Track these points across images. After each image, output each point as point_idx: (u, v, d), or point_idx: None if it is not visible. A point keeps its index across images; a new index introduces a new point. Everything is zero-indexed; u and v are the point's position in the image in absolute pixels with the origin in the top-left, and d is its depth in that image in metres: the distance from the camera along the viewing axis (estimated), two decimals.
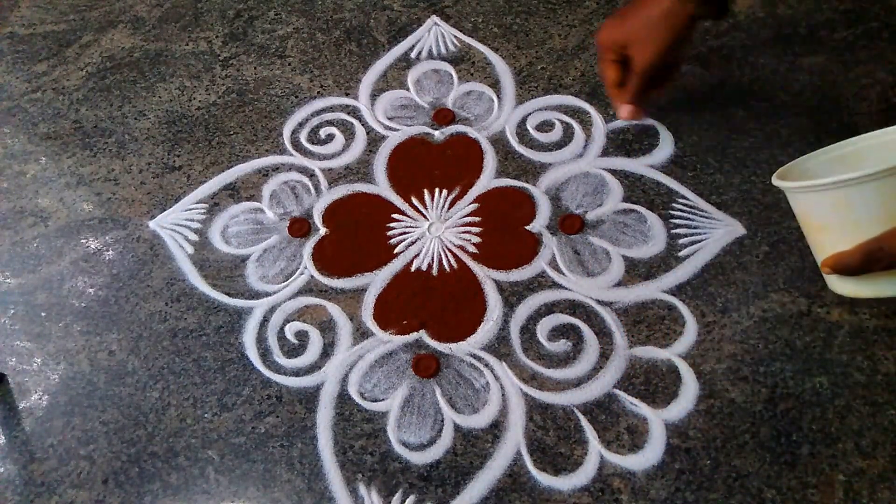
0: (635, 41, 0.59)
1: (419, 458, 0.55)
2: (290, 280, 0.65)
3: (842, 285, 0.49)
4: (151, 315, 0.64)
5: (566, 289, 0.62)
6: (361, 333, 0.61)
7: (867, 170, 0.43)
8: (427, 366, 0.59)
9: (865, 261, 0.45)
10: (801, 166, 0.55)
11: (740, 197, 0.65)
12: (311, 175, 0.71)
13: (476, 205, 0.68)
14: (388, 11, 0.83)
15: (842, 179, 0.44)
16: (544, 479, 0.54)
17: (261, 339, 0.62)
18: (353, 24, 0.82)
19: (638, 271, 0.62)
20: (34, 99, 0.81)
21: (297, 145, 0.73)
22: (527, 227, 0.66)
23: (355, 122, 0.74)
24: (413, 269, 0.65)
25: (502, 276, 0.63)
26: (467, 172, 0.70)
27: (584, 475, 0.53)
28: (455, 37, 0.80)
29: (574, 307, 0.61)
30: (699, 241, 0.63)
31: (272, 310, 0.63)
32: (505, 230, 0.66)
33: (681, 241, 0.63)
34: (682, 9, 0.57)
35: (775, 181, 0.51)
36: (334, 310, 0.63)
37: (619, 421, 0.55)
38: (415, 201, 0.69)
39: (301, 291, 0.64)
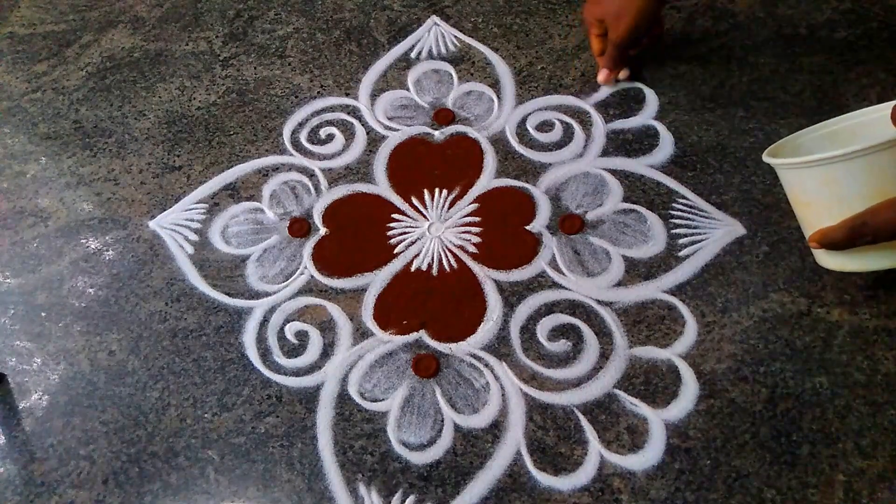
0: (610, 19, 0.67)
1: (419, 458, 0.55)
2: (290, 280, 0.65)
3: (828, 259, 0.50)
4: (151, 315, 0.64)
5: (566, 289, 0.62)
6: (361, 333, 0.61)
7: (851, 147, 0.43)
8: (427, 366, 0.59)
9: (850, 236, 0.46)
10: (794, 142, 0.55)
11: (740, 197, 0.65)
12: (311, 175, 0.71)
13: (476, 205, 0.68)
14: (388, 11, 0.83)
15: (827, 157, 0.44)
16: (544, 479, 0.54)
17: (261, 339, 0.62)
18: (353, 24, 0.82)
19: (638, 271, 0.62)
20: (34, 99, 0.81)
21: (297, 145, 0.73)
22: (527, 227, 0.66)
23: (355, 122, 0.74)
24: (413, 269, 0.64)
25: (502, 276, 0.63)
26: (467, 172, 0.70)
27: (584, 475, 0.53)
28: (455, 37, 0.80)
29: (574, 307, 0.61)
30: (699, 241, 0.63)
31: (272, 310, 0.63)
32: (505, 230, 0.66)
33: (681, 241, 0.63)
34: None
35: (765, 158, 0.51)
36: (334, 310, 0.63)
37: (619, 421, 0.55)
38: (415, 201, 0.69)
39: (301, 291, 0.64)
